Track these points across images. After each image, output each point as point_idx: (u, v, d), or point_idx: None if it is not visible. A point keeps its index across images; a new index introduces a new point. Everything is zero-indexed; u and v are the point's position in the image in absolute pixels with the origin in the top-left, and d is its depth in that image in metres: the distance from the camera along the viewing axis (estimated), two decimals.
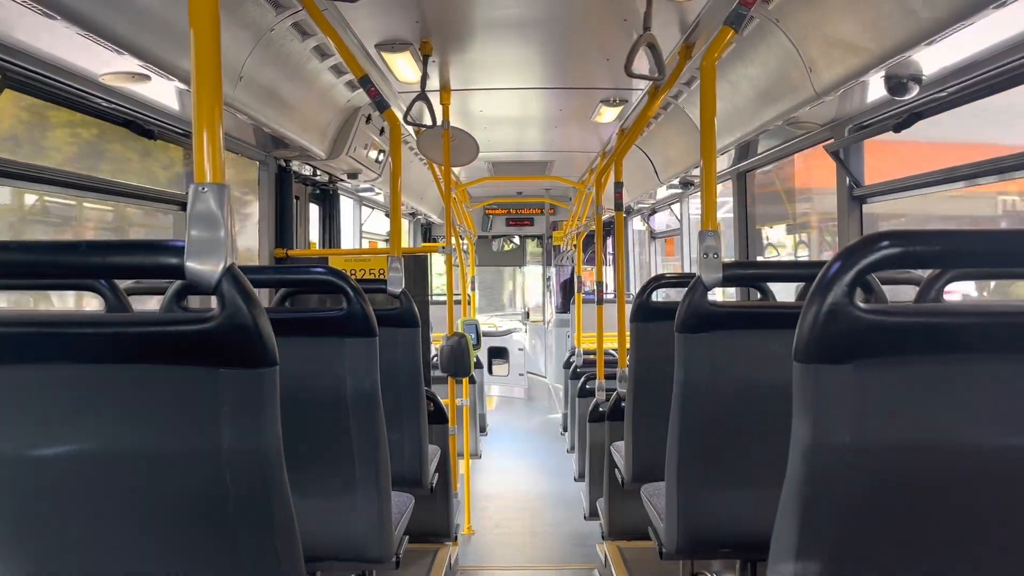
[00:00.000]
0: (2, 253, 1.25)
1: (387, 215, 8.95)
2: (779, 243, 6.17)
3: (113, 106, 3.00)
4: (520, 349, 11.67)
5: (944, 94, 2.93)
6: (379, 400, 2.29)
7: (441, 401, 4.62)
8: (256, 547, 1.30)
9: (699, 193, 7.19)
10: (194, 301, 3.32)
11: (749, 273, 2.93)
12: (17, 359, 1.25)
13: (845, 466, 1.23)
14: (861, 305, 1.19)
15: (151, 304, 3.23)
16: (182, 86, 2.90)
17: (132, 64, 2.63)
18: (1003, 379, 1.23)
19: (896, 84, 2.94)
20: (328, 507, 2.31)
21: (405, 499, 2.86)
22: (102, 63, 2.64)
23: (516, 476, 7.54)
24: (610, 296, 9.36)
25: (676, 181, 6.57)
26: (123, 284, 2.43)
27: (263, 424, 1.25)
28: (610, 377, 5.05)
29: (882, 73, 2.86)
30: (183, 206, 3.83)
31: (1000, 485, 1.25)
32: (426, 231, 11.53)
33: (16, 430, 1.28)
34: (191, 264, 1.22)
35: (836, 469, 1.23)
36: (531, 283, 13.46)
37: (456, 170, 7.59)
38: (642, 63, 3.22)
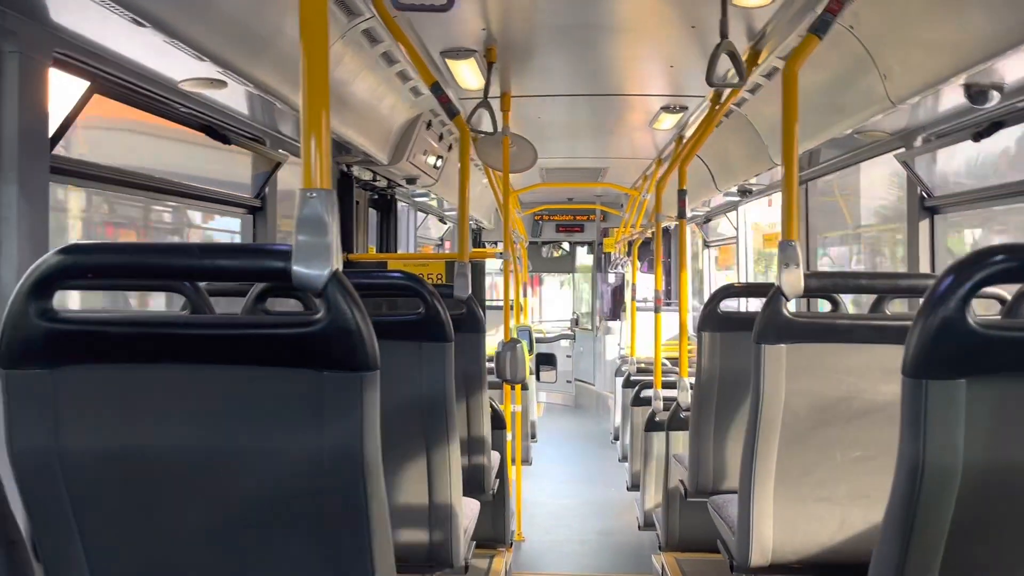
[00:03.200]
0: (119, 255, 1.28)
1: (441, 220, 8.99)
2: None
3: (191, 111, 3.06)
4: (568, 356, 11.62)
5: None
6: (453, 404, 2.30)
7: (499, 407, 4.62)
8: (353, 549, 1.31)
9: (755, 201, 7.06)
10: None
11: (831, 283, 2.81)
12: (130, 359, 1.28)
13: (954, 485, 1.20)
14: (976, 319, 1.16)
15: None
16: (255, 91, 2.95)
17: (211, 70, 2.68)
18: None
19: (976, 92, 2.86)
20: (402, 511, 2.31)
21: (473, 504, 2.87)
22: (182, 69, 2.69)
23: (566, 483, 7.51)
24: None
25: (734, 189, 6.50)
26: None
27: (364, 427, 1.26)
28: (667, 386, 5.00)
29: (962, 80, 2.79)
30: (249, 208, 3.89)
31: None
32: (476, 236, 11.56)
33: (126, 426, 1.31)
34: (298, 268, 1.24)
35: (945, 488, 1.20)
36: (580, 289, 13.43)
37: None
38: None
